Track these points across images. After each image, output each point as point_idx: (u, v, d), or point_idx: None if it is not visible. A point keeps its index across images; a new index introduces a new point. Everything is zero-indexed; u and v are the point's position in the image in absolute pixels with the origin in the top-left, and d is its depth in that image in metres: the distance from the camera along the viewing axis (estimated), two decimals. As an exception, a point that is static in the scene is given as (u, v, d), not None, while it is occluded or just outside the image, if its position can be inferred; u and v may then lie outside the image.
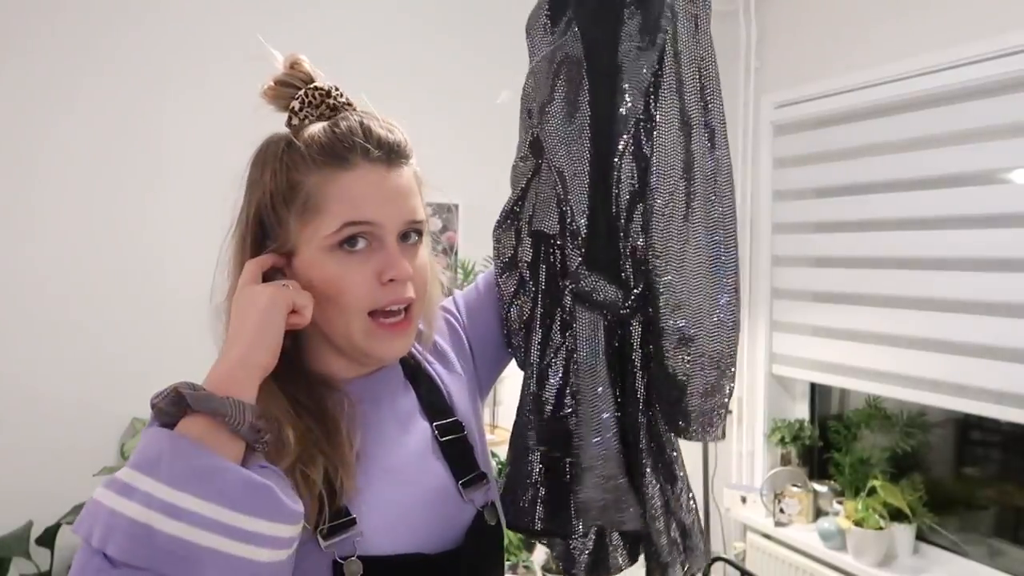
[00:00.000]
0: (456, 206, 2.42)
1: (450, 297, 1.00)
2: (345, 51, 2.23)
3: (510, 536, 1.98)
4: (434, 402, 0.88)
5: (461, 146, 2.39)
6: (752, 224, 2.75)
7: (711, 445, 2.60)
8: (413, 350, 0.91)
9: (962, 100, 2.10)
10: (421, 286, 0.81)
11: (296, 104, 0.80)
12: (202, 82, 2.08)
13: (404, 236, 0.79)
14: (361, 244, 0.77)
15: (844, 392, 2.66)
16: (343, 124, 0.78)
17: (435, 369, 0.92)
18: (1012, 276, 1.97)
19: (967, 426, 2.35)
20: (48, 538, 1.85)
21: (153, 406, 0.66)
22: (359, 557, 0.72)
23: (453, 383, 0.92)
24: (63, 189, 1.96)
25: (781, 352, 2.66)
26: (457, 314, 0.99)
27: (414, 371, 0.90)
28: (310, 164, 0.76)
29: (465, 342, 0.97)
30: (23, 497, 1.88)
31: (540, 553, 2.15)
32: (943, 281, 2.14)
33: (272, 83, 0.81)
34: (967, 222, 2.09)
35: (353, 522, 0.72)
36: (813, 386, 2.71)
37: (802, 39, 2.59)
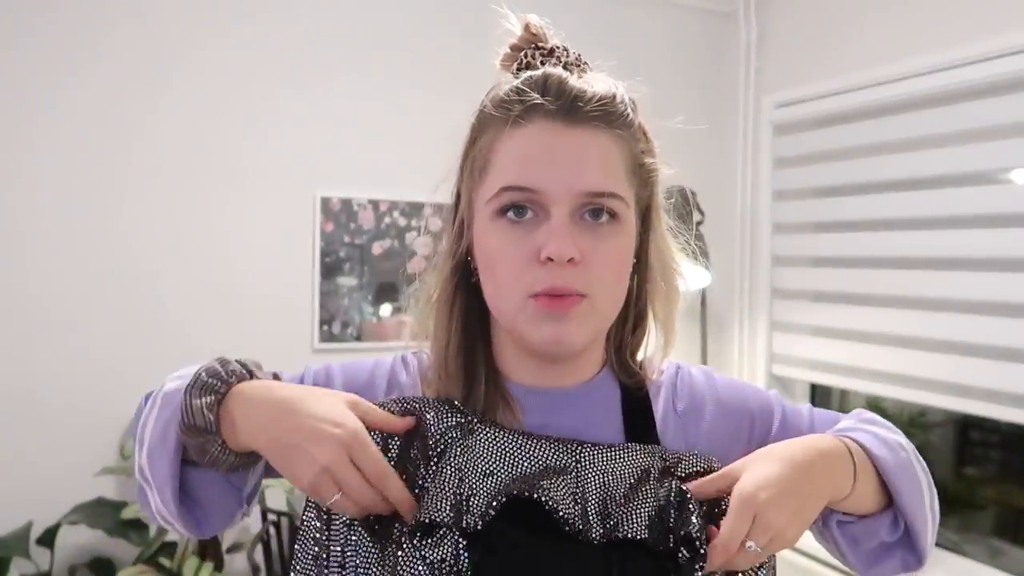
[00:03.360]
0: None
1: (772, 393, 0.81)
2: (341, 48, 2.23)
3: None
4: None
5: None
6: (752, 224, 2.75)
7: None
8: (649, 386, 0.76)
9: (962, 100, 2.09)
10: (603, 280, 0.67)
11: (515, 68, 0.73)
12: (196, 78, 2.07)
13: (593, 213, 0.66)
14: (528, 215, 0.66)
15: (844, 392, 2.66)
16: (530, 77, 0.69)
17: (668, 424, 0.74)
18: (1012, 276, 1.97)
19: (967, 426, 2.34)
20: (48, 538, 1.84)
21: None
22: None
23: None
24: (61, 189, 1.96)
25: (781, 352, 2.66)
26: (771, 419, 0.78)
27: (637, 408, 0.74)
28: (487, 122, 0.70)
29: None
30: (23, 497, 1.88)
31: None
32: (943, 281, 2.14)
33: (508, 49, 0.75)
34: (967, 222, 2.08)
35: None
36: (813, 386, 2.70)
37: (802, 39, 2.59)
